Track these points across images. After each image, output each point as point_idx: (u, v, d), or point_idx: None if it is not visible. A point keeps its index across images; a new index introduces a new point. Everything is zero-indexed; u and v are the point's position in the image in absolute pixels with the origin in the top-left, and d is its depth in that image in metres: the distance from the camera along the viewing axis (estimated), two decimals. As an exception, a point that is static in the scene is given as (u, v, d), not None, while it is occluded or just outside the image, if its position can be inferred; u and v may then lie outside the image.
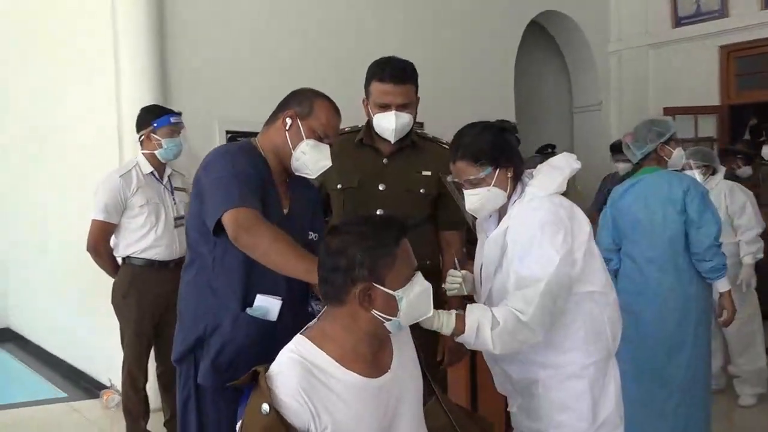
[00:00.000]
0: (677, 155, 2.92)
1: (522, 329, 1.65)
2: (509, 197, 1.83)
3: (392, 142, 2.24)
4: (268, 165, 1.91)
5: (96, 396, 4.28)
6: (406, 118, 2.20)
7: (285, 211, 1.92)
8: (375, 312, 1.40)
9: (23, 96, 5.51)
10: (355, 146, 2.32)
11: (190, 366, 1.91)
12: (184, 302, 1.95)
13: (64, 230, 4.71)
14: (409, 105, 2.21)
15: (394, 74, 2.19)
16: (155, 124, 3.20)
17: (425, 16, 5.42)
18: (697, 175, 3.72)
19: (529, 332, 1.67)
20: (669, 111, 6.10)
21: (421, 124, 5.61)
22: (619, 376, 2.78)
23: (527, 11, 6.22)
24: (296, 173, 1.92)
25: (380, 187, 2.26)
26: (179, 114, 3.31)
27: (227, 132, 4.29)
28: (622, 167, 5.12)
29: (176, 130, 3.23)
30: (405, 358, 1.56)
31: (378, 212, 2.24)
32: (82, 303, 4.64)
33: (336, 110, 1.94)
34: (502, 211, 1.85)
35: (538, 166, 1.89)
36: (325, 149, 1.91)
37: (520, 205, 1.79)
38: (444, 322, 1.64)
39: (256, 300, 1.82)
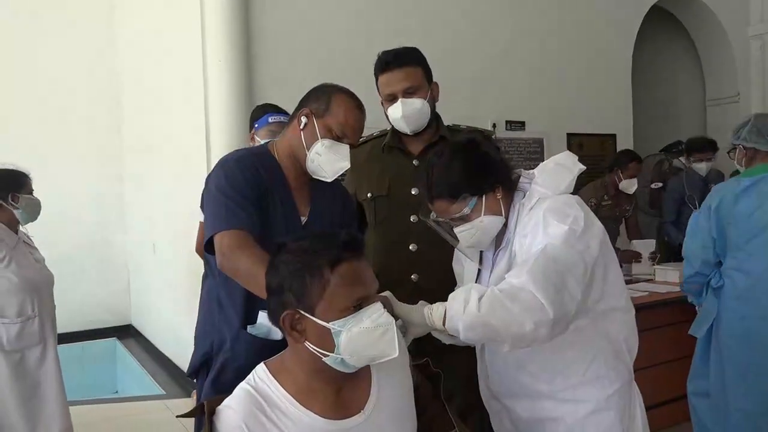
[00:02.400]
0: None
1: (519, 294, 1.34)
2: (507, 213, 1.57)
3: (409, 133, 2.04)
4: (281, 170, 1.77)
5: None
6: (415, 103, 2.00)
7: (304, 217, 1.77)
8: (308, 344, 1.21)
9: (134, 114, 5.95)
10: (383, 151, 2.14)
11: (202, 382, 1.83)
12: (199, 315, 1.89)
13: (170, 233, 4.95)
14: (417, 89, 2.00)
15: (389, 60, 2.01)
16: (256, 125, 2.94)
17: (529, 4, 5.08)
18: None
19: (529, 299, 1.33)
20: (822, 100, 5.28)
21: (523, 123, 5.31)
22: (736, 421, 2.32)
23: (648, -5, 5.66)
24: (313, 176, 1.76)
25: (413, 192, 2.04)
26: (282, 113, 2.89)
27: (313, 136, 4.24)
28: (704, 167, 4.55)
29: (277, 130, 2.79)
30: (388, 397, 1.33)
31: (412, 219, 2.04)
32: (188, 302, 4.82)
33: (357, 106, 1.75)
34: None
35: (543, 164, 1.61)
36: (344, 149, 1.72)
37: (526, 209, 1.53)
38: (433, 308, 1.43)
39: (258, 317, 1.68)
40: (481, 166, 1.55)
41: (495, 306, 1.34)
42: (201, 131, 4.18)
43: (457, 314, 1.37)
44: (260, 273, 1.50)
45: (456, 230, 1.57)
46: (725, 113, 6.22)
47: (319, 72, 4.16)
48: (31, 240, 2.98)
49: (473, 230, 1.55)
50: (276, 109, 2.97)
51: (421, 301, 1.53)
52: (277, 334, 1.67)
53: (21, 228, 2.91)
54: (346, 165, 1.72)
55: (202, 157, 4.17)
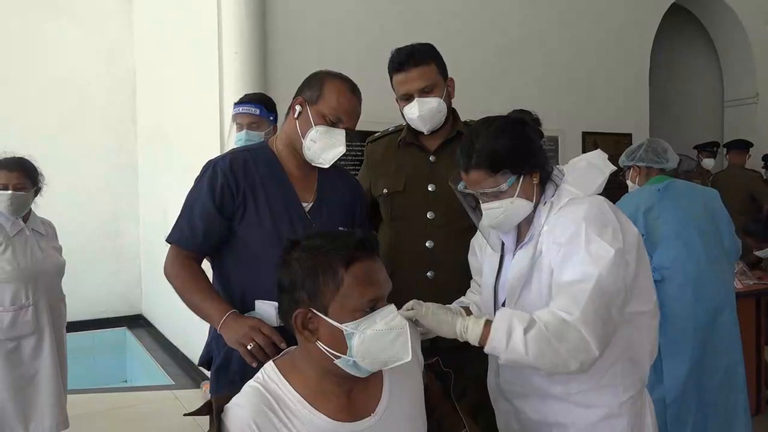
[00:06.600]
0: None
1: (567, 334, 1.31)
2: (537, 202, 1.52)
3: (425, 132, 2.02)
4: (278, 161, 1.78)
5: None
6: (432, 102, 1.96)
7: (307, 204, 1.77)
8: (320, 344, 1.18)
9: (149, 105, 5.99)
10: (399, 147, 2.11)
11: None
12: None
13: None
14: (432, 88, 1.96)
15: (403, 60, 1.96)
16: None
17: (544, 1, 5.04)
18: None
19: (578, 340, 1.31)
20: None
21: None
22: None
23: (667, -6, 5.59)
24: (312, 164, 1.75)
25: (429, 188, 2.03)
26: (249, 103, 2.71)
27: (328, 130, 4.23)
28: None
29: (241, 123, 2.66)
30: (400, 399, 1.31)
31: (429, 215, 2.02)
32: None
33: (351, 89, 1.74)
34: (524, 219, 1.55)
35: (574, 162, 1.56)
36: (339, 134, 1.71)
37: (556, 208, 1.48)
38: (469, 326, 1.38)
39: (255, 306, 1.68)
40: (528, 146, 1.50)
41: (543, 348, 1.31)
42: (215, 123, 4.18)
43: (500, 346, 1.34)
44: (186, 295, 1.69)
45: (483, 206, 1.52)
46: (744, 114, 6.15)
47: (334, 65, 4.08)
48: (47, 228, 2.97)
49: (501, 209, 1.49)
50: (241, 100, 2.76)
51: (441, 307, 1.48)
52: (273, 322, 1.64)
53: (37, 216, 2.91)
54: (341, 150, 1.72)
55: (215, 149, 4.16)
